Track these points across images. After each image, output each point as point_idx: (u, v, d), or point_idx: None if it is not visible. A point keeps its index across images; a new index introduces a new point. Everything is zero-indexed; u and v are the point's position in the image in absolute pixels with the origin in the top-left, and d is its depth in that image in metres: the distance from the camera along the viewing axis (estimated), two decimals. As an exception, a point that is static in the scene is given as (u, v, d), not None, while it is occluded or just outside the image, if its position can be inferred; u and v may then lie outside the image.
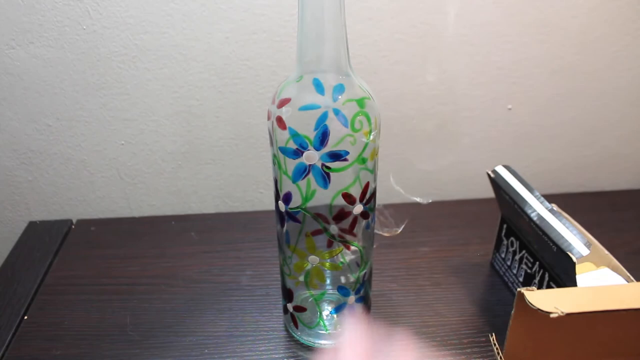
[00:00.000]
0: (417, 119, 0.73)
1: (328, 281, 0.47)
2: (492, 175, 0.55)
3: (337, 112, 0.38)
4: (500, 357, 0.45)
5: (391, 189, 0.70)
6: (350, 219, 0.43)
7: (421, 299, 0.57)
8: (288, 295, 0.49)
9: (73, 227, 0.71)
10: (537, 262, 0.51)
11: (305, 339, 0.50)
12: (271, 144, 0.42)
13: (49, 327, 0.53)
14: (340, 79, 0.39)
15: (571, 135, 0.77)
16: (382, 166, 0.62)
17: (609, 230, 0.67)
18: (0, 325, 0.53)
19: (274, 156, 0.42)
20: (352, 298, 0.47)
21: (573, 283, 0.45)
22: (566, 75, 0.73)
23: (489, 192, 0.59)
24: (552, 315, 0.36)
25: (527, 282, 0.53)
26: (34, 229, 0.71)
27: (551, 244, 0.46)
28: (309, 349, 0.50)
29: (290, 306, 0.49)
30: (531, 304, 0.37)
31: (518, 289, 0.39)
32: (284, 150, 0.40)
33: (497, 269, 0.60)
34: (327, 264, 0.45)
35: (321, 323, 0.49)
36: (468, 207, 0.74)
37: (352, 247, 0.45)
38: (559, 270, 0.47)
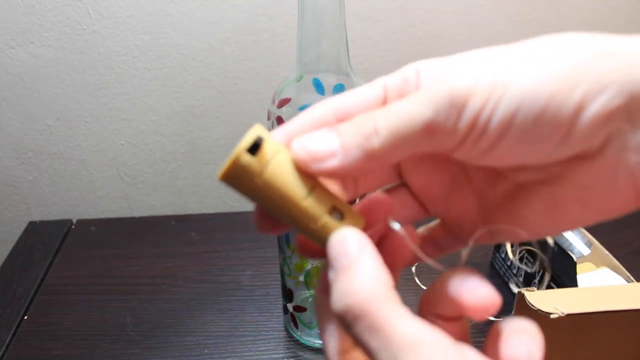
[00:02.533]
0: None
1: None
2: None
3: (337, 112, 0.38)
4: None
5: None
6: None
7: (421, 299, 0.57)
8: (288, 295, 0.49)
9: (73, 227, 0.71)
10: (537, 262, 0.51)
11: (305, 339, 0.50)
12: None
13: (49, 327, 0.53)
14: (340, 79, 0.39)
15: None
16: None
17: (609, 230, 0.67)
18: (1, 325, 0.53)
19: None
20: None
21: (573, 283, 0.45)
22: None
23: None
24: (552, 316, 0.36)
25: (527, 282, 0.53)
26: (34, 229, 0.70)
27: (551, 244, 0.46)
28: (309, 349, 0.50)
29: (290, 306, 0.49)
30: (531, 304, 0.37)
31: (518, 289, 0.39)
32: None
33: (497, 269, 0.60)
34: (327, 264, 0.45)
35: (321, 323, 0.49)
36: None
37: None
38: (559, 270, 0.47)
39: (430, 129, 0.17)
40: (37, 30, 0.63)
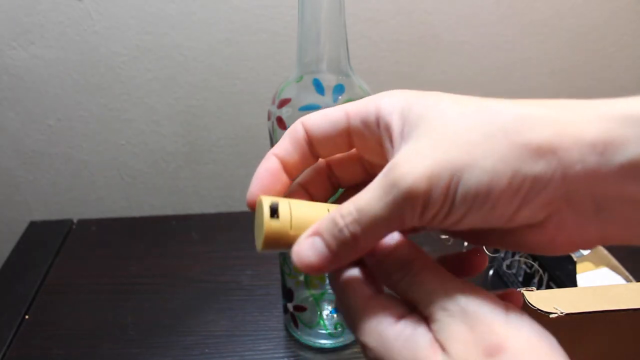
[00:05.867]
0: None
1: (328, 281, 0.47)
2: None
3: (337, 112, 0.38)
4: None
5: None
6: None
7: (421, 298, 0.57)
8: (288, 295, 0.49)
9: (74, 227, 0.71)
10: (537, 262, 0.51)
11: (305, 339, 0.50)
12: (271, 144, 0.42)
13: (49, 326, 0.54)
14: (340, 79, 0.39)
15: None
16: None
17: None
18: (2, 325, 0.54)
19: (274, 156, 0.42)
20: (352, 298, 0.47)
21: (573, 283, 0.45)
22: (566, 75, 0.73)
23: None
24: (551, 316, 0.36)
25: (527, 282, 0.53)
26: (34, 228, 0.71)
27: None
28: (309, 348, 0.50)
29: (290, 306, 0.49)
30: (531, 304, 0.37)
31: (518, 289, 0.39)
32: (284, 151, 0.40)
33: (497, 269, 0.60)
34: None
35: (321, 323, 0.49)
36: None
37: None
38: (559, 270, 0.47)
39: (389, 225, 0.20)
40: (39, 31, 0.63)
